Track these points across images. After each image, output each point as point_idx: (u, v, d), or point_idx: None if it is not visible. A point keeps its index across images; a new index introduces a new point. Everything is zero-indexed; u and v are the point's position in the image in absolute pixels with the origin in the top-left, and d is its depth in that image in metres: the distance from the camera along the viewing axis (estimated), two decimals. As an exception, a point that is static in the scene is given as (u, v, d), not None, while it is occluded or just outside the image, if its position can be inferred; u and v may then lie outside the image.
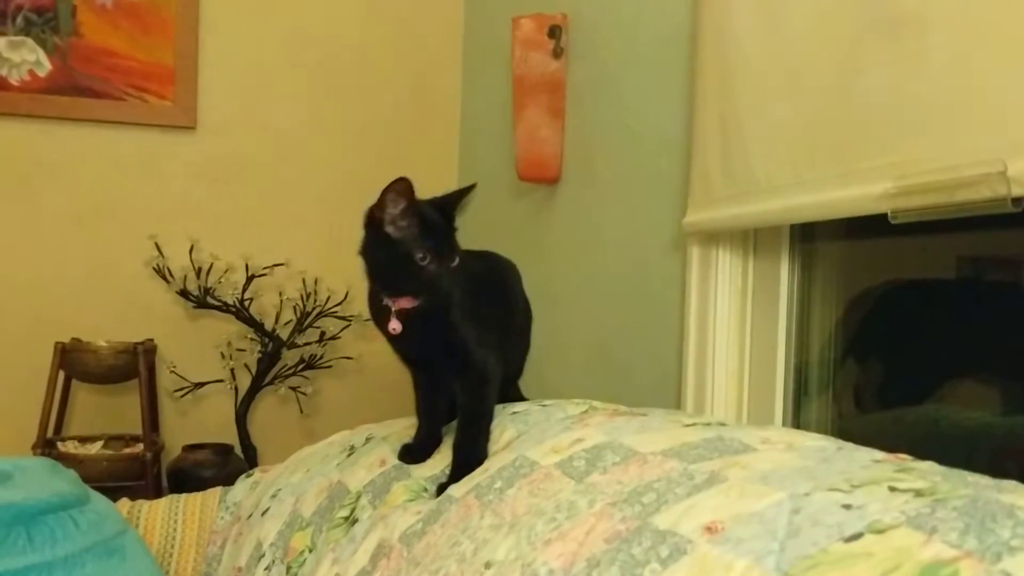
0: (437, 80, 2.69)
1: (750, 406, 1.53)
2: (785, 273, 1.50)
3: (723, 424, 1.02)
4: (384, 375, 2.60)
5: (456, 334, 1.20)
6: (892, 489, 0.69)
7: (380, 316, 1.21)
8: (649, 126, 1.78)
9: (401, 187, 1.16)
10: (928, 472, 0.74)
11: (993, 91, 1.00)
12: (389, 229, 1.16)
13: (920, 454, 0.83)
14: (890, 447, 0.86)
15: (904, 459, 0.82)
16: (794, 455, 0.82)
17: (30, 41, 2.35)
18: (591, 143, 2.01)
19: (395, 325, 1.16)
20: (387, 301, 1.17)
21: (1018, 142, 0.97)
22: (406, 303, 1.16)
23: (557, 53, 2.07)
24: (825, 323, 1.54)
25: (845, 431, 1.51)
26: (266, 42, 2.56)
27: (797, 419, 1.53)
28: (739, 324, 1.53)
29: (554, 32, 2.06)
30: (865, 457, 0.81)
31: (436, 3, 2.68)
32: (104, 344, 2.28)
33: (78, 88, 2.39)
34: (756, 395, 1.53)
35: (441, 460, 1.21)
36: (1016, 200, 0.97)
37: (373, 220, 1.17)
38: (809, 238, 1.49)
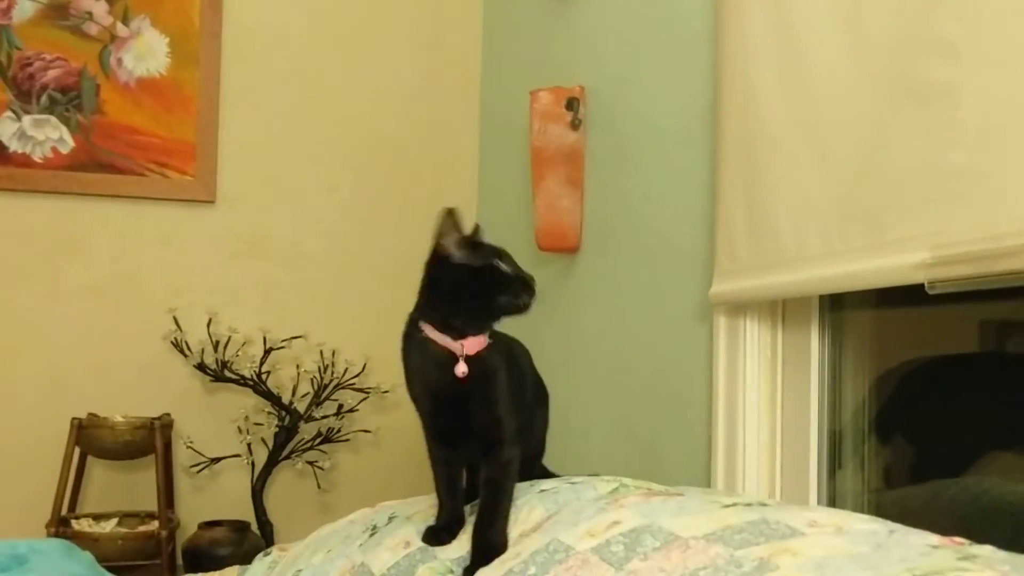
0: (455, 152, 2.71)
1: (783, 481, 1.49)
2: (816, 343, 1.47)
3: (764, 504, 0.98)
4: (402, 449, 2.56)
5: (499, 403, 1.19)
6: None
7: (431, 371, 1.17)
8: (670, 195, 1.78)
9: (456, 215, 1.19)
10: (993, 559, 0.70)
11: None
12: (460, 255, 1.17)
13: (963, 530, 0.79)
14: (931, 523, 0.82)
15: (962, 544, 0.78)
16: (845, 540, 0.79)
17: (54, 119, 2.38)
18: (611, 213, 2.00)
19: (463, 368, 1.15)
20: (453, 345, 1.15)
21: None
22: (475, 345, 1.16)
23: (575, 125, 2.08)
24: (858, 394, 1.51)
25: (882, 506, 1.46)
26: (286, 116, 2.58)
27: (832, 493, 1.48)
28: (769, 396, 1.50)
29: (572, 104, 2.07)
30: (920, 542, 0.77)
31: (453, 76, 2.72)
32: (121, 419, 2.25)
33: (100, 164, 2.41)
34: (789, 469, 1.49)
35: (467, 541, 1.18)
36: (1060, 270, 0.95)
37: (439, 254, 1.19)
38: (839, 307, 1.46)
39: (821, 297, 1.46)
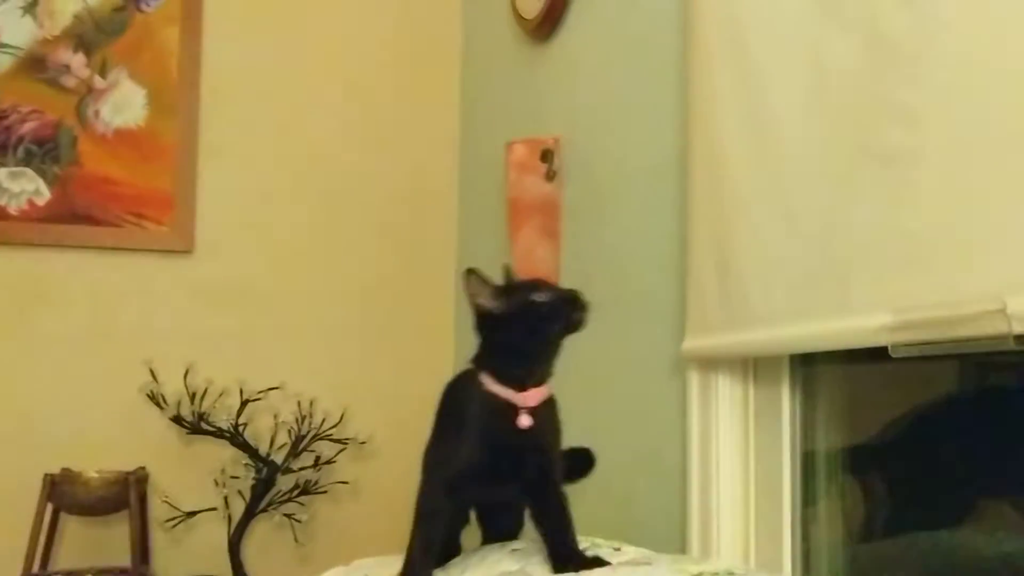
0: (435, 202, 2.72)
1: (757, 537, 1.48)
2: (787, 399, 1.47)
3: (732, 573, 0.98)
4: (381, 500, 2.54)
5: (555, 449, 1.27)
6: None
7: (493, 422, 1.20)
8: (644, 248, 1.78)
9: (477, 272, 1.24)
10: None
11: (991, 227, 1.00)
12: (498, 306, 1.22)
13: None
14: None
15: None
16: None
17: (30, 171, 2.38)
18: (587, 264, 2.01)
19: (527, 421, 1.19)
20: (515, 397, 1.20)
21: (1017, 279, 0.96)
22: (537, 396, 1.21)
23: (551, 176, 2.09)
24: (831, 449, 1.51)
25: (858, 560, 1.46)
26: (265, 165, 2.59)
27: (807, 547, 1.48)
28: (743, 452, 1.50)
29: (547, 156, 2.09)
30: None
31: (432, 126, 2.73)
32: (95, 475, 2.23)
33: (76, 215, 2.41)
34: (763, 526, 1.48)
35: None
36: (1018, 338, 0.95)
37: (483, 312, 1.23)
38: (810, 363, 1.47)
39: (792, 354, 1.46)
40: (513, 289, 1.26)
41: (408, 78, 2.72)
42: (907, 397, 1.42)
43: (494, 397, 1.21)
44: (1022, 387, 1.27)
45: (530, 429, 1.19)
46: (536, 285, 1.26)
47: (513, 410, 1.20)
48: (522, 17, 2.23)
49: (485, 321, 1.24)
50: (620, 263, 1.87)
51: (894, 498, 1.49)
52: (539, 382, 1.23)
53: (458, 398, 1.26)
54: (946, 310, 1.02)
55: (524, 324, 1.22)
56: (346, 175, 2.65)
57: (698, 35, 1.52)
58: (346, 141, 2.65)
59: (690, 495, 1.54)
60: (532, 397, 1.21)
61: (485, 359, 1.24)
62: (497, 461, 1.21)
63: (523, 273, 2.17)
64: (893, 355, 1.10)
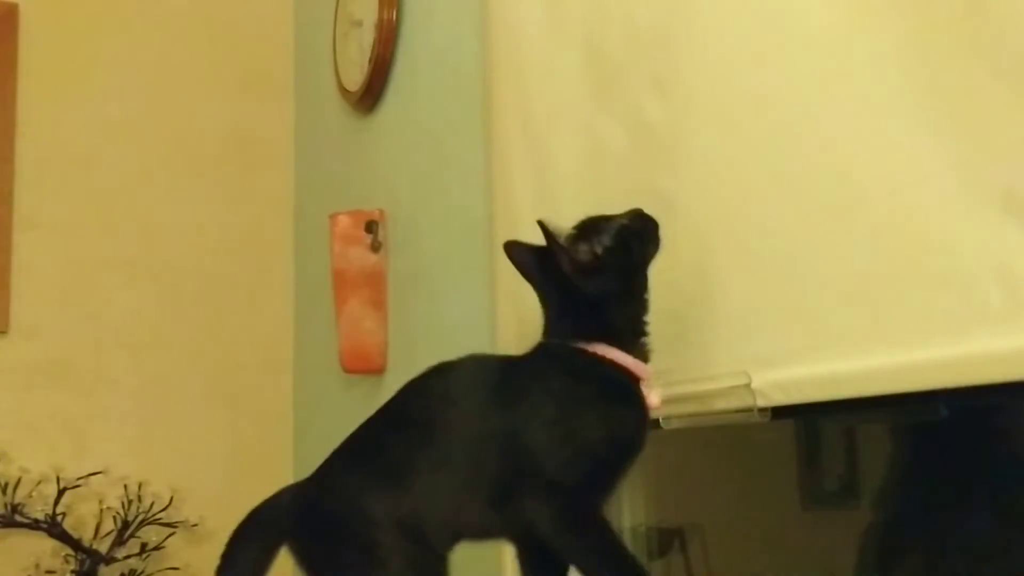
0: (269, 277, 2.66)
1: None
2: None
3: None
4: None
5: None
6: None
7: (624, 405, 0.97)
8: (459, 319, 1.80)
9: (547, 222, 0.99)
10: None
11: (737, 306, 1.05)
12: (595, 245, 0.98)
13: None
14: None
15: None
16: None
17: None
18: (413, 334, 2.01)
19: (655, 397, 0.99)
20: (642, 369, 0.98)
21: (759, 355, 1.01)
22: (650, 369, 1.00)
23: (376, 247, 2.10)
24: (642, 513, 1.53)
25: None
26: (88, 239, 2.49)
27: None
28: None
29: (371, 227, 2.09)
30: None
31: (267, 202, 2.67)
32: None
33: None
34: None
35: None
36: (763, 411, 1.00)
37: (580, 267, 0.98)
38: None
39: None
40: (597, 228, 1.01)
41: (240, 153, 2.67)
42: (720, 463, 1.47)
43: (622, 368, 0.97)
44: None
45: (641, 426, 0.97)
46: (595, 219, 1.02)
47: (637, 385, 0.98)
48: (346, 90, 2.25)
49: (585, 278, 0.99)
50: (442, 335, 1.88)
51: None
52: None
53: (573, 378, 0.98)
54: (703, 385, 1.07)
55: (626, 259, 0.99)
56: (175, 249, 2.57)
57: (496, 117, 1.57)
58: (176, 215, 2.58)
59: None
60: (647, 370, 1.00)
61: (589, 327, 0.99)
62: (626, 455, 0.97)
63: (351, 346, 2.17)
64: (664, 427, 1.14)
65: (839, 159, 0.92)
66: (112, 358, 2.48)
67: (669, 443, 1.23)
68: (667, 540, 1.50)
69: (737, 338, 1.04)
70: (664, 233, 1.12)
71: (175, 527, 2.31)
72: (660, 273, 1.14)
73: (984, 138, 0.77)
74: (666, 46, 1.13)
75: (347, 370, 2.13)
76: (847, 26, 0.90)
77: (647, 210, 1.05)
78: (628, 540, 1.45)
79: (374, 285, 2.10)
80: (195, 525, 2.34)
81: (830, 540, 1.24)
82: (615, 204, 1.23)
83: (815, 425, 1.21)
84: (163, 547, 2.32)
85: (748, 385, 1.00)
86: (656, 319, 1.15)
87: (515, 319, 1.48)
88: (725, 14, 1.06)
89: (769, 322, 1.00)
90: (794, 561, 1.30)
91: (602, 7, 1.27)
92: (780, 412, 1.00)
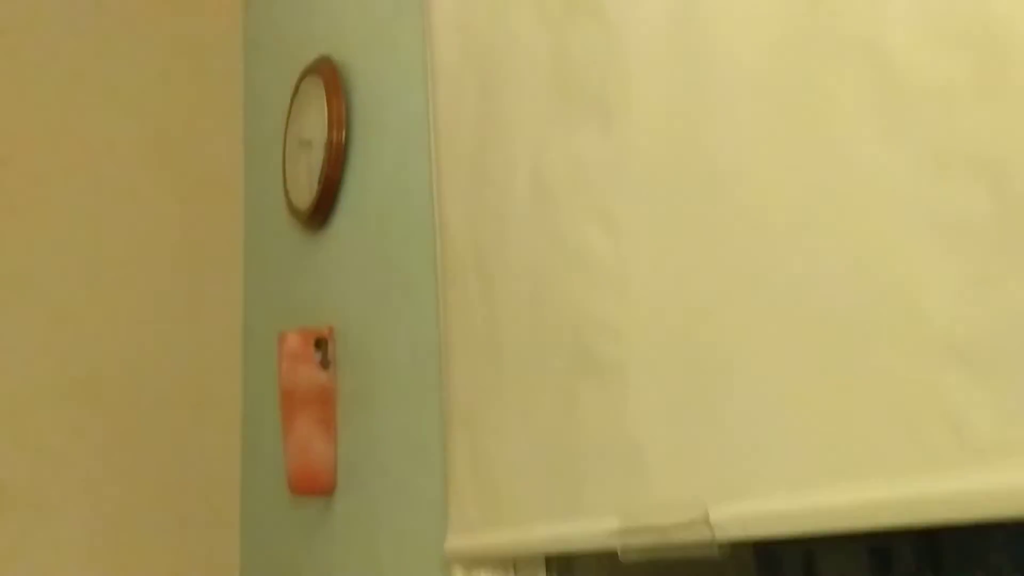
0: (216, 395, 2.61)
1: None
2: (548, 596, 1.47)
3: None
4: None
5: None
6: None
7: None
8: (411, 443, 1.77)
9: None
10: None
11: (694, 436, 1.05)
12: None
13: None
14: None
15: None
16: None
17: None
18: (362, 455, 1.97)
19: None
20: None
21: (717, 488, 1.01)
22: None
23: (325, 365, 2.07)
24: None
25: None
26: (24, 357, 2.42)
27: None
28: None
29: (320, 344, 2.07)
30: None
31: (214, 322, 2.64)
32: None
33: None
34: None
35: None
36: (722, 546, 0.99)
37: None
38: (566, 562, 1.48)
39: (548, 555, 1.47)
40: None
41: (187, 270, 2.65)
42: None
43: None
44: None
45: None
46: None
47: None
48: (295, 207, 2.26)
49: None
50: (390, 456, 1.85)
51: None
52: None
53: None
54: (661, 517, 1.06)
55: None
56: (119, 368, 2.51)
57: (448, 239, 1.58)
58: (119, 333, 2.53)
59: None
60: None
61: None
62: None
63: (299, 467, 2.12)
64: (623, 560, 1.12)
65: (786, 294, 0.94)
66: (51, 482, 2.38)
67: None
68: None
69: (692, 471, 1.03)
70: (612, 363, 1.13)
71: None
72: (613, 397, 1.15)
73: (918, 289, 0.79)
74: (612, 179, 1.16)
75: (295, 492, 2.07)
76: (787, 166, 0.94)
77: (591, 339, 1.07)
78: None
79: (324, 403, 2.07)
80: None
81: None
82: (563, 334, 1.25)
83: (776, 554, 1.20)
84: None
85: (706, 519, 0.99)
86: (615, 447, 1.15)
87: (467, 453, 1.47)
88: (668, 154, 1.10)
89: (727, 453, 1.00)
90: None
91: (548, 138, 1.31)
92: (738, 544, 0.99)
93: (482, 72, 1.51)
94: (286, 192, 2.31)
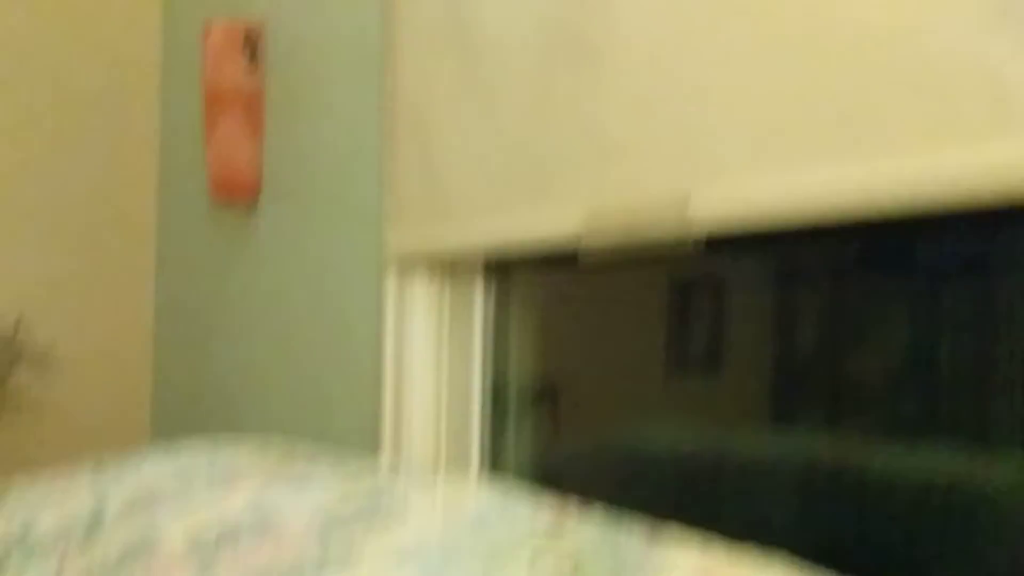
0: (130, 88, 2.41)
1: (447, 440, 1.46)
2: (479, 303, 1.45)
3: (394, 478, 0.92)
4: (61, 418, 2.28)
5: None
6: (532, 564, 0.62)
7: None
8: (344, 147, 1.68)
9: None
10: (581, 537, 0.68)
11: (673, 126, 0.98)
12: None
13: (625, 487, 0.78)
14: (592, 482, 0.80)
15: (567, 515, 0.76)
16: (448, 522, 0.74)
17: None
18: (293, 160, 1.87)
19: None
20: None
21: (698, 179, 0.94)
22: None
23: (254, 64, 1.91)
24: (524, 356, 1.50)
25: (545, 456, 1.48)
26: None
27: (495, 454, 1.48)
28: (435, 359, 1.46)
29: (249, 41, 1.90)
30: (524, 519, 0.74)
31: (131, 8, 2.40)
32: None
33: None
34: (452, 429, 1.47)
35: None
36: (696, 240, 0.95)
37: None
38: (504, 269, 1.45)
39: (488, 261, 1.43)
40: None
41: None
42: (603, 305, 1.44)
43: None
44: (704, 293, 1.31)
45: None
46: None
47: None
48: None
49: None
50: (325, 159, 1.76)
51: (584, 406, 1.52)
52: None
53: None
54: (634, 208, 1.01)
55: None
56: (30, 58, 2.29)
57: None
58: (33, 25, 2.28)
59: (384, 400, 1.50)
60: None
61: None
62: None
63: (222, 172, 2.00)
64: (582, 261, 1.08)
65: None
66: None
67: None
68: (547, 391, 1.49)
69: (672, 158, 0.97)
70: (597, 46, 1.04)
71: (19, 353, 2.15)
72: (594, 91, 1.07)
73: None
74: None
75: (216, 197, 1.98)
76: None
77: (574, 22, 0.96)
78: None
79: (251, 107, 1.93)
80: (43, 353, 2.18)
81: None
82: (546, 21, 1.13)
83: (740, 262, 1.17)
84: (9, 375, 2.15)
85: (684, 214, 0.93)
86: (586, 137, 1.08)
87: (416, 145, 1.38)
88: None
89: (714, 134, 0.93)
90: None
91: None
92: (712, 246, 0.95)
93: None
94: None
